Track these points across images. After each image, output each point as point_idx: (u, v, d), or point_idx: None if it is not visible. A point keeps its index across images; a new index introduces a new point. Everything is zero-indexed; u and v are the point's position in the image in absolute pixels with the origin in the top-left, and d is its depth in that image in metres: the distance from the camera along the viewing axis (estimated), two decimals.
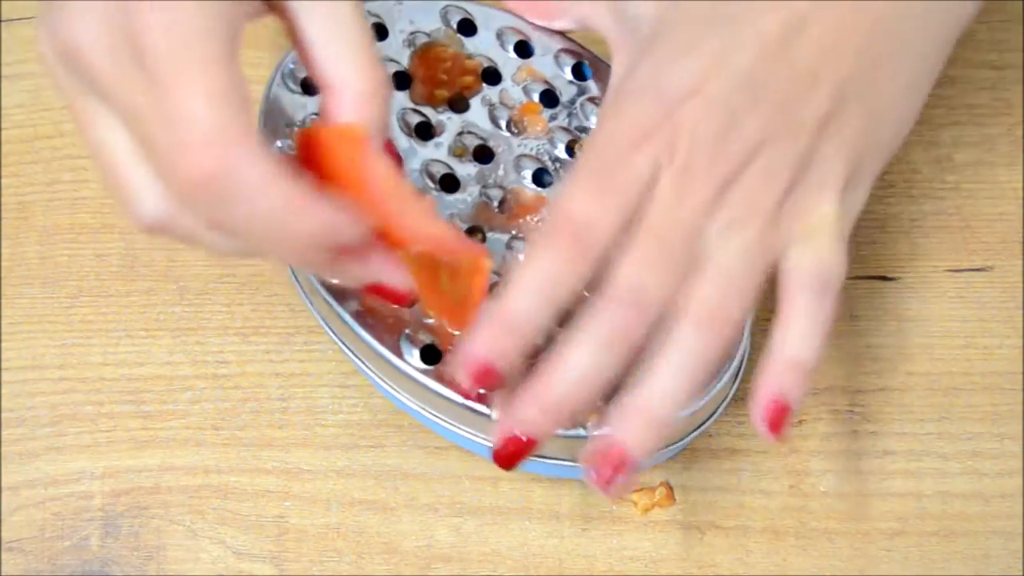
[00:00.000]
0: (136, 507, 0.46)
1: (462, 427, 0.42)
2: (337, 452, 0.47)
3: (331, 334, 0.43)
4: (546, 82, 0.45)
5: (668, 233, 0.37)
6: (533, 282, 0.37)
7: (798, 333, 0.38)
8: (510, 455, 0.38)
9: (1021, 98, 0.51)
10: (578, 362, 0.37)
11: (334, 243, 0.34)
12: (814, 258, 0.38)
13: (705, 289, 0.37)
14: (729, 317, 0.38)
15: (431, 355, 0.41)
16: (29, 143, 0.51)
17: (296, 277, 0.44)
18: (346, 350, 0.43)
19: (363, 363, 0.43)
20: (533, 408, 0.37)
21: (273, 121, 0.43)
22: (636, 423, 0.37)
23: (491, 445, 0.39)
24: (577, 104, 0.45)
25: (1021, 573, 0.45)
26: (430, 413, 0.42)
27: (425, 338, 0.41)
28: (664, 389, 0.37)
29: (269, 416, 0.47)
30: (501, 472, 0.45)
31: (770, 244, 0.38)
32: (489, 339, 0.37)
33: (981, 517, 0.46)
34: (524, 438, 0.38)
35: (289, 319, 0.48)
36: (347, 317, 0.41)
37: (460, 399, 0.40)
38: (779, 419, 0.38)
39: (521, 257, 0.38)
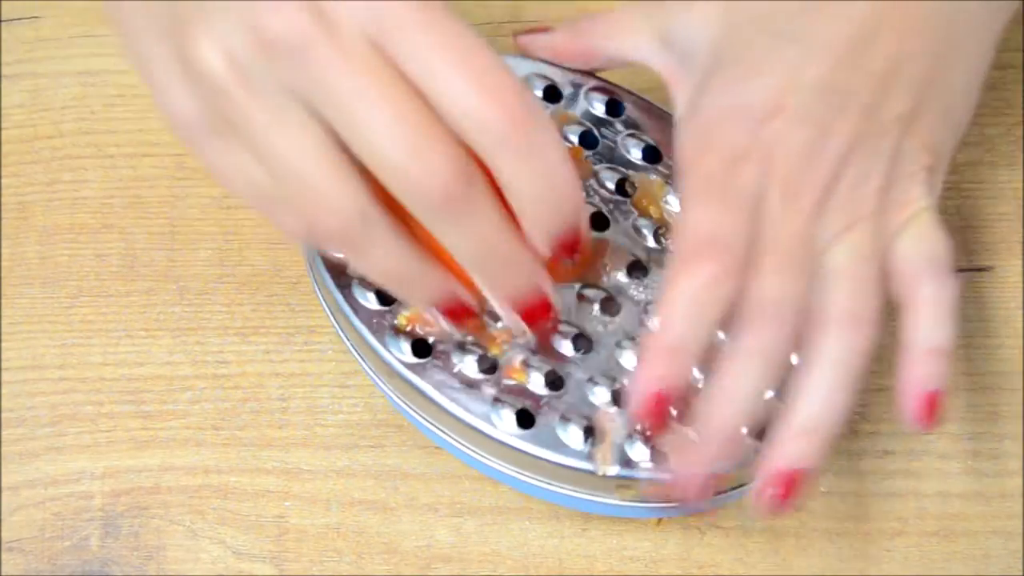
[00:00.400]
0: (136, 507, 0.46)
1: (553, 482, 0.41)
2: (337, 452, 0.47)
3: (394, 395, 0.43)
4: (581, 123, 0.44)
5: (791, 245, 0.38)
6: (685, 306, 0.38)
7: (930, 322, 0.40)
8: (698, 494, 0.39)
9: (1021, 98, 0.51)
10: (739, 387, 0.38)
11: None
12: (923, 244, 0.40)
13: (840, 295, 0.39)
14: (869, 317, 0.39)
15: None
16: (29, 143, 0.51)
17: (361, 356, 0.43)
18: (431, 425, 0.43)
19: (450, 435, 0.42)
20: (705, 445, 0.38)
21: None
22: (808, 443, 0.38)
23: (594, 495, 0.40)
24: (618, 140, 0.44)
25: (1022, 573, 0.45)
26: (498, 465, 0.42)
27: (514, 402, 0.40)
28: (825, 402, 0.38)
29: (269, 416, 0.47)
30: None
31: (880, 239, 0.40)
32: (656, 370, 0.38)
33: (981, 517, 0.46)
34: (704, 473, 0.38)
35: (289, 319, 0.48)
36: (429, 391, 0.41)
37: (518, 445, 0.40)
38: (932, 409, 0.40)
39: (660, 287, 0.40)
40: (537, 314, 0.39)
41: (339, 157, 0.34)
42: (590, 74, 0.45)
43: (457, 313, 0.39)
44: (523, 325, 0.39)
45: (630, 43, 0.44)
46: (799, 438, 0.38)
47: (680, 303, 0.38)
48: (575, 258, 0.38)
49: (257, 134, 0.34)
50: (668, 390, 0.38)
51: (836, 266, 0.39)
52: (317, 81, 0.33)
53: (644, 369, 0.38)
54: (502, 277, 0.37)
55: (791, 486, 0.38)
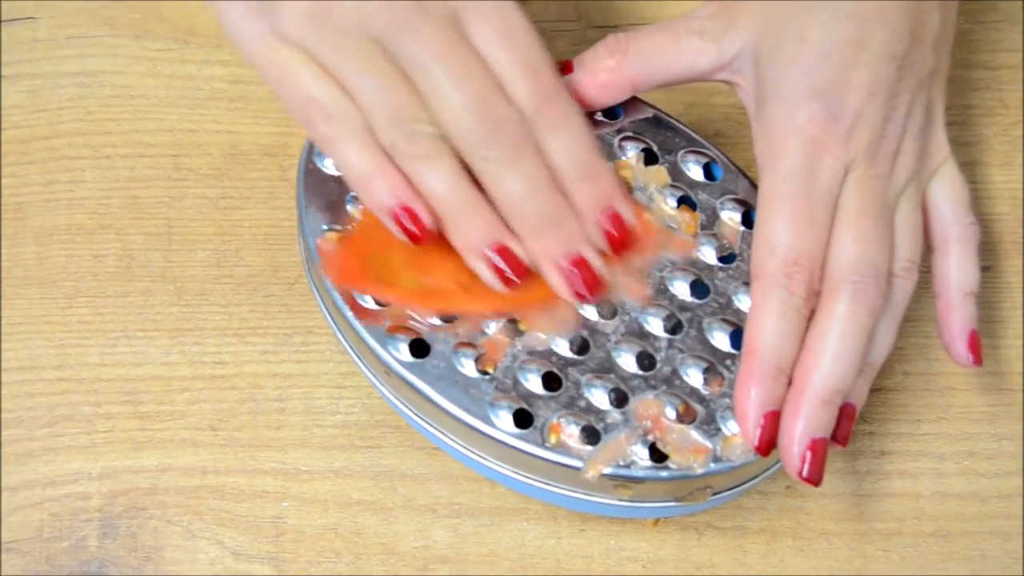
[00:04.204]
0: (134, 508, 0.46)
1: (552, 483, 0.41)
2: (335, 453, 0.47)
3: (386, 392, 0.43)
4: (677, 186, 0.43)
5: (875, 210, 0.40)
6: (780, 327, 0.39)
7: (961, 265, 0.43)
8: (815, 463, 0.39)
9: (1017, 98, 0.51)
10: (847, 350, 0.39)
11: None
12: (954, 189, 0.43)
13: (902, 247, 0.41)
14: (917, 264, 0.42)
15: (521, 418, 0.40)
16: (26, 144, 0.51)
17: (367, 365, 0.43)
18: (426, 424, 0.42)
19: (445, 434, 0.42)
20: (819, 410, 0.39)
21: (314, 189, 0.43)
22: (862, 381, 0.41)
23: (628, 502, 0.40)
24: (717, 204, 0.43)
25: (1020, 574, 0.45)
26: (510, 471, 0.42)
27: (512, 402, 0.40)
28: (880, 344, 0.41)
29: (267, 417, 0.47)
30: None
31: (921, 188, 0.43)
32: (765, 391, 0.39)
33: (978, 517, 0.46)
34: (819, 439, 0.39)
35: (287, 319, 0.48)
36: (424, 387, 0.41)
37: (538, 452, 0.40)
38: (977, 347, 0.43)
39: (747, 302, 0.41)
40: (589, 283, 0.41)
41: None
42: (686, 138, 0.44)
43: (506, 267, 0.40)
44: (568, 292, 0.41)
45: (689, 61, 0.43)
46: (867, 375, 0.41)
47: (774, 325, 0.39)
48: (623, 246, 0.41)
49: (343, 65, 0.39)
50: (776, 408, 0.39)
51: (900, 218, 0.41)
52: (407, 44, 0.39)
53: (756, 393, 0.39)
54: (550, 232, 0.40)
55: (850, 423, 0.40)
